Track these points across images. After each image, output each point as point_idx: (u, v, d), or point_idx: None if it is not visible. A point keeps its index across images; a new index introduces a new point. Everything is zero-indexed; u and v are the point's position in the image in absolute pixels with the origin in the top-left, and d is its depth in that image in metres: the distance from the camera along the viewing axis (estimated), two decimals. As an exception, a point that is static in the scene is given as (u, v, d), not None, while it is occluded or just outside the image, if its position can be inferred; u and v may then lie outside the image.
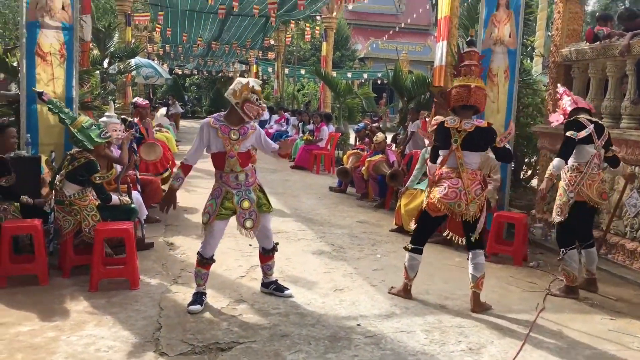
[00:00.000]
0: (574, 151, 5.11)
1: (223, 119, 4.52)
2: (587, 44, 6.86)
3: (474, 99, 4.62)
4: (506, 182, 7.03)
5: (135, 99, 7.77)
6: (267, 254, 4.82)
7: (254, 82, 4.48)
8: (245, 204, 4.50)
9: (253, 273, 5.44)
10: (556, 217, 5.25)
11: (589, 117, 5.23)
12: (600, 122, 5.37)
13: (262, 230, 4.65)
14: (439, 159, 4.79)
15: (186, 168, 4.58)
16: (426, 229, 4.95)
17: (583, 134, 5.04)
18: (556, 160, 5.10)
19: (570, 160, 5.19)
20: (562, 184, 5.26)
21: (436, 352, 3.89)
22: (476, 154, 4.71)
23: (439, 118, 4.90)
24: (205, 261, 4.54)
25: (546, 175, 5.24)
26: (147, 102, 8.64)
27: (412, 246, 4.90)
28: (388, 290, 5.10)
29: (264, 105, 4.51)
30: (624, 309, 4.91)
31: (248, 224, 4.50)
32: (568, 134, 5.07)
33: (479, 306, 4.72)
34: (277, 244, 4.86)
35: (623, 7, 8.18)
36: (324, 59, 17.39)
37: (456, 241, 5.17)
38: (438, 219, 4.84)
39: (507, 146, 4.87)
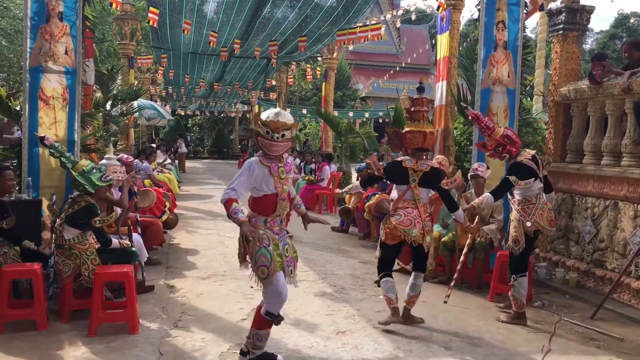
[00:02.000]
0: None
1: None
2: (586, 82, 6.92)
3: (428, 143, 5.23)
4: (508, 222, 6.98)
5: (120, 155, 7.80)
6: None
7: (266, 114, 4.04)
8: (288, 250, 4.13)
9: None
10: (514, 248, 5.48)
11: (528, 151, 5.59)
12: (533, 153, 5.61)
13: None
14: (394, 194, 5.60)
15: (235, 201, 3.93)
16: (388, 258, 5.33)
17: (523, 184, 5.39)
18: (489, 197, 5.47)
19: (520, 194, 5.51)
20: (514, 216, 5.54)
21: (441, 398, 3.81)
22: (427, 190, 5.29)
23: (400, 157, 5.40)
24: (277, 319, 4.08)
25: (474, 203, 5.58)
26: (131, 159, 8.69)
27: (381, 275, 5.19)
28: (378, 322, 5.19)
29: (281, 140, 3.97)
30: (631, 350, 4.82)
31: (293, 271, 4.13)
32: (511, 179, 5.38)
33: (409, 319, 5.22)
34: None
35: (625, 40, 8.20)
36: (324, 99, 17.56)
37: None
38: (397, 247, 5.26)
39: (452, 191, 5.65)
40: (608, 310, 5.79)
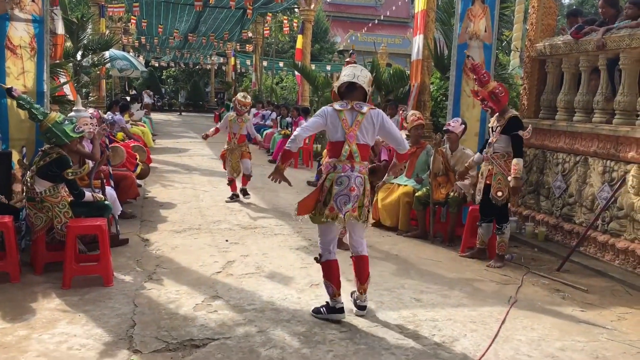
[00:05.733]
0: (508, 142, 5.79)
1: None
2: (562, 38, 6.93)
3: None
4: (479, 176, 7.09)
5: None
6: None
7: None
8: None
9: (229, 269, 5.42)
10: (497, 199, 5.82)
11: None
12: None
13: None
14: None
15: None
16: None
17: (527, 134, 5.77)
18: (519, 160, 5.69)
19: (503, 149, 5.83)
20: (497, 170, 5.84)
21: (410, 346, 3.91)
22: None
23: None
24: None
25: (514, 174, 5.67)
26: (96, 112, 8.49)
27: None
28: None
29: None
30: (594, 301, 4.99)
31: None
32: (520, 133, 5.70)
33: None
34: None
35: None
36: (299, 51, 17.34)
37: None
38: None
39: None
40: (574, 263, 5.97)
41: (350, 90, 4.29)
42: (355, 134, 4.20)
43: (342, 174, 4.18)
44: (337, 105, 4.24)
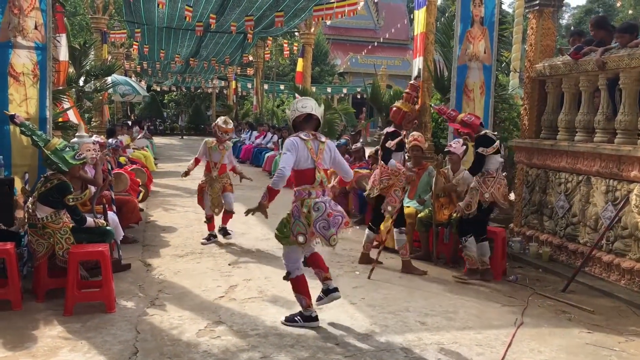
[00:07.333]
0: (486, 160, 5.98)
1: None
2: (561, 59, 6.96)
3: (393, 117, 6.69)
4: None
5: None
6: None
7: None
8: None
9: (232, 293, 5.39)
10: (465, 212, 6.05)
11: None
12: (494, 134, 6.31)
13: None
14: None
15: None
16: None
17: (491, 150, 5.94)
18: (466, 173, 6.19)
19: (485, 166, 6.01)
20: (474, 185, 6.05)
21: (416, 371, 3.87)
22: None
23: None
24: None
25: (453, 180, 6.47)
26: (103, 140, 8.55)
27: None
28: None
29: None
30: (601, 322, 4.94)
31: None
32: (479, 150, 5.95)
33: (368, 261, 6.43)
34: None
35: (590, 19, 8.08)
36: (299, 74, 17.42)
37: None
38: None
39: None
40: (580, 284, 5.92)
41: (307, 121, 4.67)
42: (321, 161, 4.60)
43: (318, 200, 4.53)
44: (303, 135, 4.57)
